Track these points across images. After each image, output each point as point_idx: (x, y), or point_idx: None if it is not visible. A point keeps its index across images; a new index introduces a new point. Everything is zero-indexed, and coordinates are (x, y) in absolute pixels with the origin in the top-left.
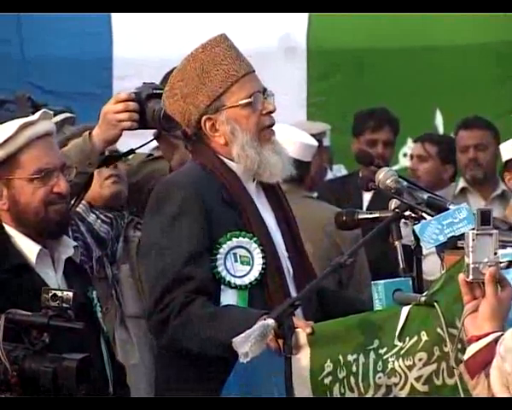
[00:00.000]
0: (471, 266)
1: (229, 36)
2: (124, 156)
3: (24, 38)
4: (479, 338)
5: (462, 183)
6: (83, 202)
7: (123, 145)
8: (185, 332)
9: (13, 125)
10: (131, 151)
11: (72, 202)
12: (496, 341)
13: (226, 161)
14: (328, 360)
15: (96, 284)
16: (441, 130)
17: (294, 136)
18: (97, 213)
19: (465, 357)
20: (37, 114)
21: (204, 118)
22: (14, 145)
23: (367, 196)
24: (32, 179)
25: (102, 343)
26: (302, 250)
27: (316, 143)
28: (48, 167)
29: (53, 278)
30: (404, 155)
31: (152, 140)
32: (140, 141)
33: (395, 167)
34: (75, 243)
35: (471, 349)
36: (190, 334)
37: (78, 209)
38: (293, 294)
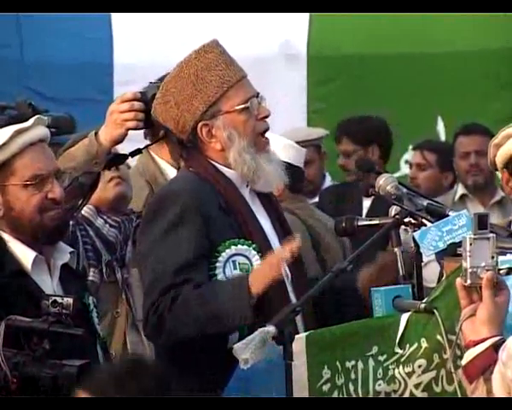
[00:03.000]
0: (469, 270)
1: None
2: (131, 156)
3: (23, 41)
4: (476, 343)
5: (461, 189)
6: (90, 206)
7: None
8: (181, 319)
9: (6, 132)
10: (138, 151)
11: (80, 202)
12: (494, 345)
13: (220, 167)
14: (326, 367)
15: (106, 287)
16: (443, 136)
17: (284, 141)
18: (105, 217)
19: (463, 362)
20: (31, 121)
21: (200, 124)
22: (7, 152)
23: (366, 203)
24: (27, 186)
25: (99, 348)
26: (298, 254)
27: (304, 150)
28: (42, 173)
29: (49, 284)
30: (406, 162)
31: (158, 140)
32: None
33: (397, 174)
34: (71, 249)
35: (469, 354)
36: (186, 319)
37: (85, 214)
38: (293, 298)
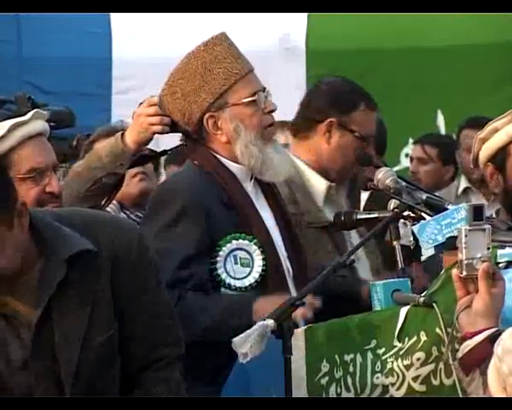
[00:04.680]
0: (464, 261)
1: (229, 36)
2: (156, 157)
3: (23, 37)
4: (473, 335)
5: (464, 183)
6: (114, 201)
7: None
8: (183, 321)
9: (4, 125)
10: (164, 152)
11: (103, 202)
12: (490, 337)
13: (224, 161)
14: (325, 361)
15: None
16: (443, 130)
17: None
18: (128, 212)
19: (459, 354)
20: (30, 114)
21: (206, 116)
22: (5, 145)
23: (364, 196)
24: (25, 179)
25: None
26: (300, 249)
27: None
28: (40, 167)
29: None
30: (406, 155)
31: (181, 145)
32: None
33: (397, 168)
34: None
35: (465, 346)
36: (187, 322)
37: (108, 209)
38: (294, 294)
